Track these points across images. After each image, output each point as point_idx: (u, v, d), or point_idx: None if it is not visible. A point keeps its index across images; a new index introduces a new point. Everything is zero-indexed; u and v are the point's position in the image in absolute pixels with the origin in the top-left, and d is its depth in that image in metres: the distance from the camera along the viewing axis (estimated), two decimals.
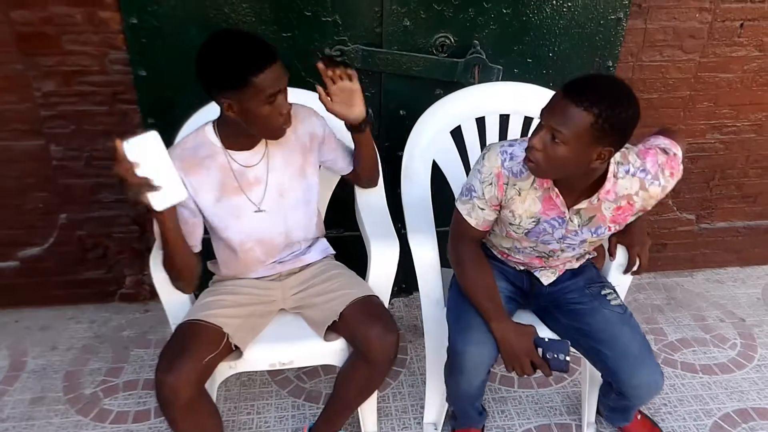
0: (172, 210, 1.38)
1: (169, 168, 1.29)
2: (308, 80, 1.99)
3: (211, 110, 1.78)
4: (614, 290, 1.63)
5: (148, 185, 1.27)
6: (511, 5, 2.00)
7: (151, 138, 1.26)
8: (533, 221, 1.49)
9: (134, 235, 2.26)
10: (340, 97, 1.55)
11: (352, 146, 1.72)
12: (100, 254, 2.30)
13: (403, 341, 2.30)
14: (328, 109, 1.57)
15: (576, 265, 1.68)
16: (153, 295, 2.41)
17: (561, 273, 1.68)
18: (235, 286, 1.66)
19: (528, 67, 2.10)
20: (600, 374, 1.68)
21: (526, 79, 2.08)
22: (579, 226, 1.48)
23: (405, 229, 1.79)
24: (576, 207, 1.44)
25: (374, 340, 1.51)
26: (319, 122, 1.65)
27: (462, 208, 1.55)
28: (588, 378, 1.89)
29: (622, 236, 1.63)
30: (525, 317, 1.69)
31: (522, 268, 1.68)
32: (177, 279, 1.55)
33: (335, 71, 1.52)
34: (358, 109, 1.57)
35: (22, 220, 2.19)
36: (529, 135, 1.34)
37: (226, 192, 1.53)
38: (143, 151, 1.25)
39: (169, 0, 1.84)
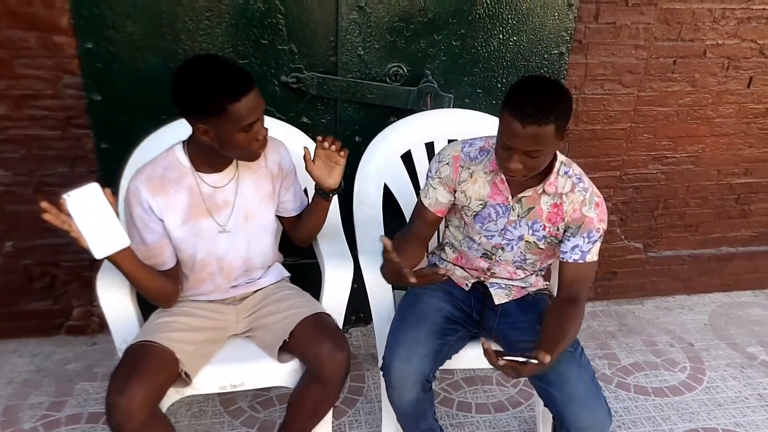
0: (125, 251, 1.36)
1: (111, 217, 1.30)
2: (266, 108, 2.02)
3: (164, 135, 1.81)
4: None
5: (79, 240, 1.28)
6: (461, 38, 2.09)
7: (92, 190, 1.28)
8: (481, 204, 1.58)
9: (84, 263, 2.20)
10: (323, 163, 1.58)
11: (305, 199, 1.75)
12: (47, 284, 2.23)
13: (360, 370, 2.28)
14: (307, 169, 1.57)
15: (524, 284, 1.70)
16: (102, 327, 2.34)
17: (516, 296, 1.70)
18: (189, 308, 1.63)
19: (478, 97, 2.19)
20: None
21: (477, 108, 2.16)
22: (519, 216, 1.56)
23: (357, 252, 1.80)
24: (519, 195, 1.54)
25: (325, 357, 1.50)
26: (288, 157, 1.66)
27: (421, 192, 1.67)
28: (542, 403, 1.89)
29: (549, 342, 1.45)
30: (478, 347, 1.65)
31: (473, 281, 1.70)
32: (153, 301, 1.57)
33: (332, 141, 1.56)
34: (335, 180, 1.60)
35: None
36: (498, 157, 1.44)
37: (193, 214, 1.53)
38: (83, 202, 1.27)
39: (125, 26, 1.87)
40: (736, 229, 2.84)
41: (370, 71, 2.07)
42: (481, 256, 1.66)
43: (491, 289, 1.69)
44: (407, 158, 2.04)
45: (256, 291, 1.72)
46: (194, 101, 1.37)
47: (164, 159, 1.52)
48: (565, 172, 1.53)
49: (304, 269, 2.10)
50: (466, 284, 1.71)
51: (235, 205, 1.57)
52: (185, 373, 1.49)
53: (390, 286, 1.75)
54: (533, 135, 1.33)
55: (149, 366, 1.41)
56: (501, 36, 2.12)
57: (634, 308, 2.79)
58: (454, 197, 1.62)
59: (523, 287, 1.70)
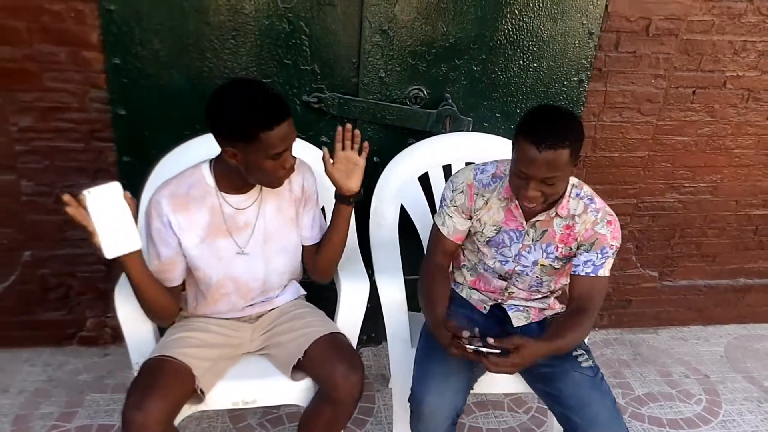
0: (136, 255, 1.38)
1: (127, 218, 1.33)
2: None
3: (186, 151, 1.83)
4: (586, 350, 1.61)
5: (93, 235, 1.31)
6: (481, 63, 2.11)
7: (112, 189, 1.31)
8: (495, 229, 1.61)
9: (99, 274, 2.22)
10: (343, 165, 1.58)
11: (325, 226, 1.72)
12: (62, 294, 2.24)
13: (370, 390, 2.26)
14: (327, 172, 1.58)
15: (542, 305, 1.70)
16: (114, 338, 2.35)
17: (534, 319, 1.69)
18: (205, 324, 1.63)
19: (497, 121, 2.21)
20: None
21: (495, 132, 2.17)
22: (533, 241, 1.58)
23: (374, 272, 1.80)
24: (533, 220, 1.56)
25: (339, 378, 1.49)
26: (312, 179, 1.67)
27: (437, 220, 1.68)
28: (556, 430, 1.87)
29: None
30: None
31: (491, 303, 1.69)
32: (150, 315, 1.55)
33: (353, 132, 1.58)
34: (355, 183, 1.59)
35: None
36: (514, 186, 1.47)
37: (212, 233, 1.53)
38: (102, 200, 1.30)
39: (153, 43, 1.90)
40: (754, 261, 2.81)
41: (390, 93, 2.09)
42: (498, 278, 1.66)
43: (509, 312, 1.68)
44: (424, 180, 2.05)
45: (272, 309, 1.72)
46: (228, 124, 1.38)
47: (190, 176, 1.53)
48: (577, 194, 1.55)
49: (318, 288, 2.11)
50: (485, 307, 1.71)
51: (255, 227, 1.58)
52: (200, 390, 1.48)
53: (405, 308, 1.75)
54: (550, 161, 1.35)
55: (166, 381, 1.41)
56: (521, 62, 2.14)
57: (648, 337, 2.76)
58: (471, 223, 1.64)
59: (541, 309, 1.70)
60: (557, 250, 1.57)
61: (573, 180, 1.56)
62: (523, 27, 2.08)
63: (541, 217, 1.55)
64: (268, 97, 1.39)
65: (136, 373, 1.48)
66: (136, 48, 1.91)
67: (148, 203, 1.51)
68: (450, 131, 2.13)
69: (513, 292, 1.68)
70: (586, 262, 1.53)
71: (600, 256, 1.53)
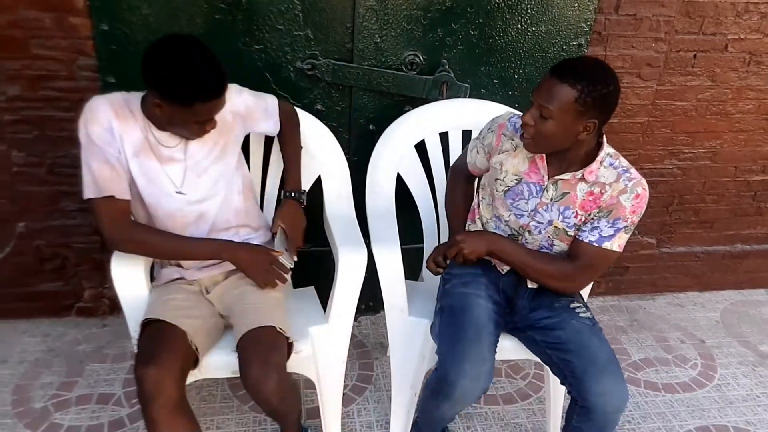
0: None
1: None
2: (279, 93, 2.01)
3: None
4: (584, 304, 1.64)
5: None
6: (478, 27, 2.07)
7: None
8: (515, 179, 1.59)
9: (95, 245, 2.21)
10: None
11: (268, 105, 1.75)
12: (58, 265, 2.24)
13: (369, 358, 2.28)
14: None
15: None
16: (112, 309, 2.35)
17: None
18: (179, 286, 1.63)
19: (495, 88, 2.17)
20: (566, 392, 1.65)
21: (493, 98, 2.14)
22: (551, 200, 1.54)
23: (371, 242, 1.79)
24: (556, 177, 1.52)
25: (251, 381, 1.44)
26: (240, 99, 1.66)
27: (469, 146, 1.77)
28: (552, 394, 1.89)
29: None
30: (507, 340, 1.69)
31: (508, 267, 1.66)
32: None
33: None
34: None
35: None
36: (523, 114, 1.47)
37: (144, 152, 1.51)
38: None
39: (141, 9, 1.85)
40: (752, 227, 2.80)
41: (386, 59, 2.05)
42: (509, 234, 1.64)
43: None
44: (421, 148, 2.02)
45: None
46: (165, 85, 1.37)
47: (126, 94, 1.52)
48: (611, 164, 1.50)
49: (316, 257, 2.11)
50: (503, 268, 1.69)
51: (187, 167, 1.56)
52: (195, 347, 1.48)
53: (402, 277, 1.74)
54: (550, 88, 1.37)
55: (169, 342, 1.43)
56: (519, 26, 2.09)
57: (645, 304, 2.77)
58: (489, 165, 1.66)
59: None
60: (575, 216, 1.53)
61: (609, 149, 1.51)
62: None
63: (566, 176, 1.51)
64: (210, 66, 1.38)
65: (135, 341, 1.49)
66: (124, 13, 1.85)
67: (83, 112, 1.46)
68: (447, 98, 2.09)
69: None
70: (593, 229, 1.51)
71: (609, 225, 1.49)
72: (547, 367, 1.66)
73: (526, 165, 1.57)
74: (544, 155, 1.53)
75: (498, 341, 1.60)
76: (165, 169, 1.54)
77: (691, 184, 2.62)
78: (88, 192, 1.46)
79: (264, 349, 1.46)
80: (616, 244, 1.50)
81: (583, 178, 1.50)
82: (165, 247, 1.56)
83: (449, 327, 1.59)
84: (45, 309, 2.31)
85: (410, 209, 2.03)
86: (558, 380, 1.58)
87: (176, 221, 1.58)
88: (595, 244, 1.50)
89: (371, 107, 2.12)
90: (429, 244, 2.06)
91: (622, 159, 1.53)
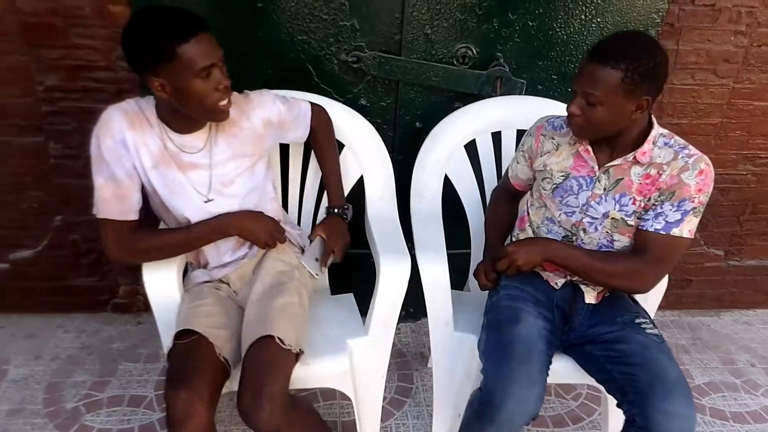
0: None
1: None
2: (322, 86, 1.90)
3: None
4: (651, 321, 1.49)
5: None
6: (537, 18, 1.90)
7: None
8: (563, 175, 1.49)
9: None
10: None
11: (301, 111, 1.66)
12: (94, 260, 2.19)
13: (408, 369, 2.16)
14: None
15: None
16: (147, 306, 2.24)
17: (598, 298, 1.53)
18: (209, 290, 1.55)
19: (553, 84, 2.00)
20: (623, 416, 1.49)
21: (551, 95, 1.97)
22: (605, 190, 1.43)
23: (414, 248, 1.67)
24: (607, 164, 1.42)
25: (242, 408, 1.31)
26: (275, 108, 1.58)
27: (511, 161, 1.69)
28: (609, 418, 1.73)
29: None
30: (562, 361, 1.55)
31: (562, 279, 1.53)
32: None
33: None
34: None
35: (15, 220, 2.09)
36: (568, 104, 1.37)
37: (163, 163, 1.42)
38: None
39: None
40: None
41: (436, 52, 1.91)
42: (561, 240, 1.50)
43: (582, 287, 1.52)
44: (471, 148, 1.88)
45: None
46: (142, 49, 1.28)
47: (141, 101, 1.44)
48: (666, 143, 1.39)
49: (356, 260, 1.99)
50: (556, 283, 1.55)
51: (213, 175, 1.47)
52: (223, 358, 1.38)
53: (448, 289, 1.61)
54: (594, 75, 1.28)
55: (200, 363, 1.34)
56: (583, 17, 1.91)
57: (709, 321, 2.56)
58: (533, 172, 1.58)
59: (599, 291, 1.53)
60: (634, 203, 1.40)
61: (661, 129, 1.41)
62: None
63: (617, 161, 1.40)
64: (178, 11, 1.29)
65: (166, 350, 1.41)
66: (163, 2, 1.77)
67: (97, 123, 1.39)
68: (501, 94, 1.94)
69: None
70: (657, 216, 1.36)
71: (675, 209, 1.34)
72: (603, 389, 1.50)
73: (570, 160, 1.48)
74: (589, 146, 1.44)
75: (551, 362, 1.46)
76: (189, 178, 1.46)
77: (765, 192, 2.39)
78: (94, 208, 1.42)
79: (259, 372, 1.32)
80: (686, 229, 1.35)
81: (636, 161, 1.39)
82: (170, 244, 1.47)
83: (495, 344, 1.46)
84: (80, 304, 2.27)
85: (457, 212, 1.89)
86: (614, 402, 1.43)
87: None
88: (662, 232, 1.36)
89: (419, 103, 1.98)
90: (476, 251, 1.93)
91: (678, 138, 1.42)
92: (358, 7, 1.83)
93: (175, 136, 1.42)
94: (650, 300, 1.64)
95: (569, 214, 1.48)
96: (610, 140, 1.41)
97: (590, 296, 1.53)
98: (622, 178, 1.41)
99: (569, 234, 1.50)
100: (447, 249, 1.67)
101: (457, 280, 1.84)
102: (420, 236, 1.72)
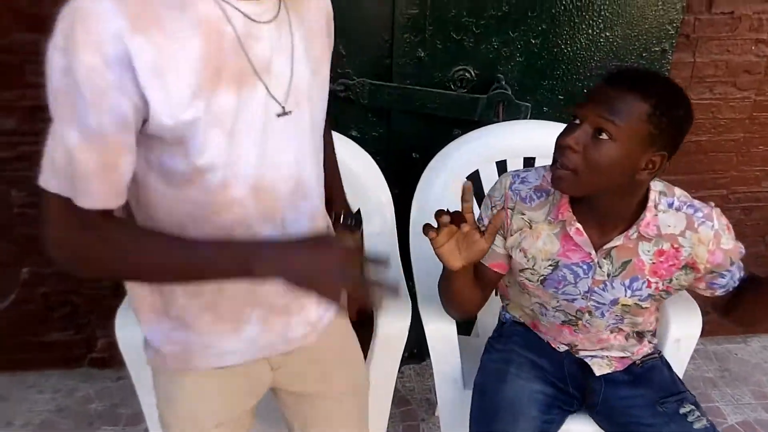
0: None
1: None
2: None
3: None
4: (696, 404, 1.28)
5: None
6: (540, 35, 1.74)
7: None
8: (550, 265, 1.21)
9: (106, 291, 1.98)
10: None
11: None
12: (68, 312, 2.02)
13: (413, 419, 1.98)
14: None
15: (623, 354, 1.33)
16: None
17: (618, 367, 1.34)
18: (210, 383, 0.99)
19: (560, 106, 1.84)
20: None
21: (558, 119, 1.80)
22: (609, 275, 1.18)
23: (414, 287, 1.53)
24: (607, 246, 1.16)
25: None
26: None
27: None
28: None
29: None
30: (581, 424, 1.36)
31: (564, 348, 1.36)
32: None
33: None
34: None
35: None
36: (560, 135, 1.08)
37: (214, 77, 0.76)
38: None
39: None
40: None
41: (431, 76, 1.75)
42: (562, 324, 1.30)
43: (587, 361, 1.34)
44: (474, 178, 1.71)
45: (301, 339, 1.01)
46: None
47: None
48: (669, 204, 1.16)
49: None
50: (558, 346, 1.36)
51: (294, 71, 0.86)
52: None
53: (456, 343, 1.44)
54: (615, 98, 1.02)
55: None
56: (591, 31, 1.75)
57: (736, 348, 2.38)
58: (510, 256, 1.26)
59: (622, 357, 1.34)
60: (649, 286, 1.18)
61: (657, 185, 1.16)
62: None
63: (617, 241, 1.15)
64: None
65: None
66: None
67: (62, 20, 0.70)
68: (504, 119, 1.77)
69: (578, 347, 1.33)
70: (731, 278, 1.19)
71: (736, 266, 1.18)
72: None
73: (556, 244, 1.19)
74: (578, 225, 1.15)
75: (550, 426, 1.29)
76: (267, 84, 0.82)
77: None
78: (49, 178, 0.76)
79: None
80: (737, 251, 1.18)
81: (641, 237, 1.15)
82: (154, 257, 0.80)
83: (479, 409, 1.31)
84: (55, 360, 2.10)
85: None
86: None
87: (262, 185, 0.86)
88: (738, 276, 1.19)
89: (414, 132, 1.82)
90: None
91: (676, 190, 1.18)
92: (343, 30, 1.66)
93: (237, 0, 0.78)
94: (683, 348, 1.47)
95: (571, 300, 1.24)
96: (599, 210, 1.14)
97: (600, 367, 1.33)
98: (630, 260, 1.17)
99: (573, 318, 1.28)
100: None
101: (464, 323, 1.68)
102: (421, 281, 1.55)
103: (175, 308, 0.91)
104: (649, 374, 1.33)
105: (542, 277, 1.23)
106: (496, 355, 1.40)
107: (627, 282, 1.19)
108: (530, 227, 1.21)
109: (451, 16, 1.68)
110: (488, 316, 1.75)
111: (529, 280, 1.25)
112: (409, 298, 1.45)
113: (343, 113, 1.77)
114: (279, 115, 0.84)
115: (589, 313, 1.25)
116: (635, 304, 1.21)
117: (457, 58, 1.74)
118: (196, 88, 0.75)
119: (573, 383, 1.34)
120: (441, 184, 1.69)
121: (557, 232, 1.19)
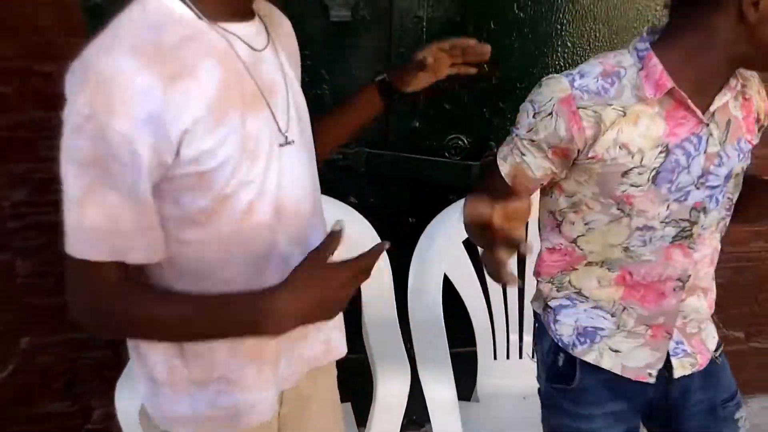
0: None
1: None
2: None
3: None
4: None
5: None
6: None
7: None
8: (661, 152, 1.01)
9: (105, 360, 1.98)
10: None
11: None
12: (66, 383, 2.01)
13: None
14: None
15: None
16: None
17: (702, 364, 1.20)
18: None
19: None
20: None
21: None
22: (720, 142, 1.03)
23: (414, 350, 1.56)
24: (711, 109, 1.01)
25: None
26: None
27: (499, 155, 1.11)
28: None
29: None
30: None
31: (655, 373, 1.16)
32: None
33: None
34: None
35: None
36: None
37: (226, 102, 0.79)
38: None
39: None
40: None
41: (425, 144, 1.83)
42: (672, 243, 1.07)
43: (674, 359, 1.16)
44: (470, 244, 1.76)
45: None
46: None
47: (142, 16, 0.77)
48: None
49: (352, 366, 1.82)
50: (650, 373, 1.15)
51: (289, 92, 0.91)
52: None
53: (457, 410, 1.45)
54: None
55: None
56: None
57: None
58: (565, 168, 1.06)
59: (704, 350, 1.20)
60: (750, 143, 1.07)
61: None
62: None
63: (723, 97, 1.01)
64: None
65: None
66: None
67: (82, 85, 0.72)
68: None
69: (697, 247, 1.10)
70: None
71: None
72: None
73: (662, 125, 1.01)
74: (681, 92, 0.98)
75: None
76: (274, 111, 0.87)
77: None
78: (80, 246, 0.78)
79: None
80: None
81: (730, 88, 1.03)
82: (161, 317, 0.82)
83: None
84: None
85: (459, 305, 1.77)
86: None
87: (281, 204, 0.89)
88: None
89: (411, 198, 1.89)
90: (483, 349, 1.80)
91: None
92: (339, 100, 1.76)
93: (234, 26, 0.82)
94: None
95: (685, 197, 1.04)
96: (702, 69, 0.99)
97: (683, 367, 1.17)
98: (729, 120, 1.04)
99: (688, 226, 1.06)
100: (450, 348, 1.55)
101: (464, 387, 1.68)
102: (421, 346, 1.58)
103: (218, 369, 0.91)
104: (720, 373, 1.23)
105: (654, 172, 1.02)
106: (567, 420, 1.19)
107: (736, 144, 1.06)
108: (624, 114, 1.00)
109: (441, 88, 1.78)
110: (489, 379, 1.77)
111: (636, 185, 1.03)
112: (409, 368, 1.46)
113: (342, 181, 1.84)
114: (281, 145, 0.88)
115: (704, 210, 1.06)
116: (742, 170, 1.09)
117: (450, 128, 1.83)
118: (218, 114, 0.78)
119: (658, 410, 1.22)
120: (438, 249, 1.74)
121: (659, 111, 1.00)
